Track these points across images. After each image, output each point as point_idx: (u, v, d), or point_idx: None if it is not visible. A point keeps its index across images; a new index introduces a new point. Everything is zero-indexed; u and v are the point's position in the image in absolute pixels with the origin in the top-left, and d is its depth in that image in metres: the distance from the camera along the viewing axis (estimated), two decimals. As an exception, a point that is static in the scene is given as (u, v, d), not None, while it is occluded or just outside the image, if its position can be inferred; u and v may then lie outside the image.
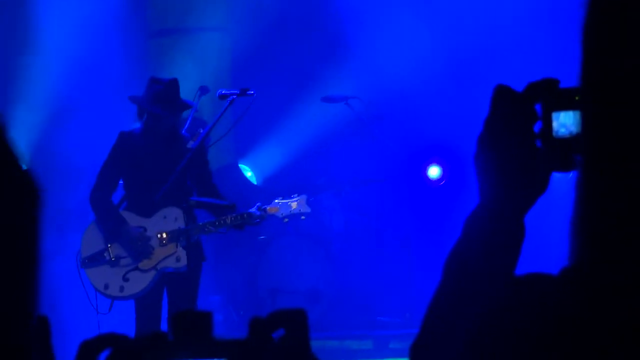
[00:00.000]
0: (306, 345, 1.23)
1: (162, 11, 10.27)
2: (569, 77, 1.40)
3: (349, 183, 9.25)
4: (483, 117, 1.49)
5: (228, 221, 6.36)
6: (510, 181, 1.47)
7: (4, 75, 9.72)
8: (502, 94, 1.48)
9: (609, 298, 1.23)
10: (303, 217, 6.64)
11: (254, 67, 9.92)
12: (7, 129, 1.21)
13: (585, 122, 1.29)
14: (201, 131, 6.71)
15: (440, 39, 9.75)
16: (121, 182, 6.66)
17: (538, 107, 1.46)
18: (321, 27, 10.24)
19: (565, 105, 1.43)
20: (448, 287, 1.49)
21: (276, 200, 6.57)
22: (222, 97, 6.74)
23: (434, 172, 9.70)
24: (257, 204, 6.49)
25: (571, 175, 1.35)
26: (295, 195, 6.61)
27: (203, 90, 8.72)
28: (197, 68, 9.83)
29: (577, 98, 1.40)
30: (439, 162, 9.69)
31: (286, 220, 6.58)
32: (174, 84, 6.50)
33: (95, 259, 6.55)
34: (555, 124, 1.43)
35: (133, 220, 6.53)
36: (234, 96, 6.67)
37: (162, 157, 6.48)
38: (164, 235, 6.47)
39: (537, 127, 1.46)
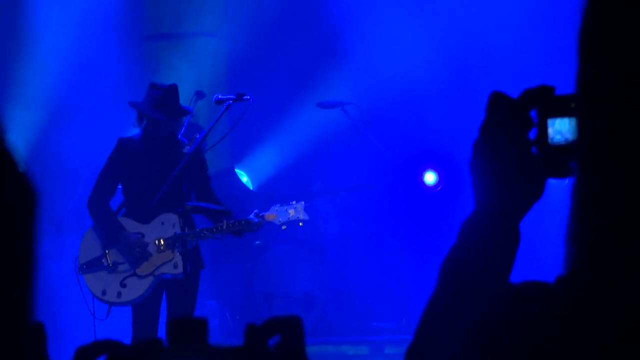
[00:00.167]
0: (302, 351, 1.23)
1: (158, 15, 10.27)
2: (565, 83, 1.40)
3: (345, 188, 9.24)
4: (479, 123, 1.49)
5: (225, 227, 6.35)
6: (505, 187, 1.47)
7: (1, 77, 9.71)
8: (497, 100, 1.48)
9: (604, 304, 1.23)
10: (301, 224, 6.61)
11: (250, 72, 9.93)
12: (4, 131, 1.21)
13: (581, 128, 1.29)
14: (197, 136, 6.71)
15: (436, 45, 9.76)
16: (120, 187, 6.66)
17: (533, 114, 1.46)
18: (317, 32, 10.25)
19: (560, 112, 1.43)
20: (443, 293, 1.49)
21: (274, 207, 6.56)
22: (218, 102, 6.75)
23: (430, 178, 9.69)
24: (255, 211, 6.48)
25: (566, 181, 1.35)
26: (293, 201, 6.59)
27: (199, 95, 8.73)
28: (193, 73, 9.84)
29: (572, 105, 1.40)
30: (435, 168, 9.68)
31: (284, 227, 6.56)
32: (173, 89, 6.52)
33: (93, 265, 6.55)
34: (550, 131, 1.44)
35: (131, 226, 6.52)
36: (230, 101, 6.68)
37: (161, 163, 6.48)
38: (162, 241, 6.47)
39: (532, 134, 1.46)
